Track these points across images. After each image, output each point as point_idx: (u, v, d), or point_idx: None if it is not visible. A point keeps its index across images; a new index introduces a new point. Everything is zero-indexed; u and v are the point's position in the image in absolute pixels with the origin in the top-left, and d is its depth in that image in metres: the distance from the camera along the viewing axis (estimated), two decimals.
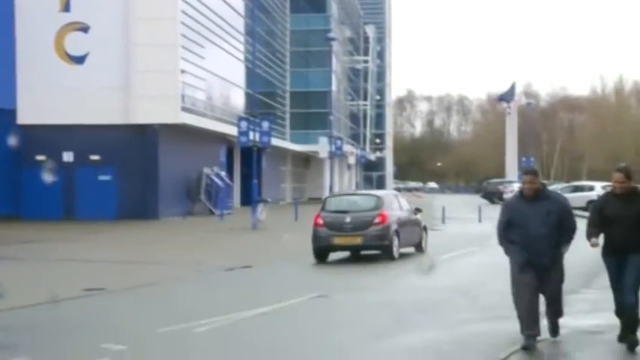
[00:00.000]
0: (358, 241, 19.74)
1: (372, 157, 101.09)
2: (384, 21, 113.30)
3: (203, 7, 42.66)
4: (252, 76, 44.77)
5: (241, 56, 51.43)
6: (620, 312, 9.17)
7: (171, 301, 14.44)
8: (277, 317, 12.14)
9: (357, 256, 20.79)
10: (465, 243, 24.57)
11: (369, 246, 19.99)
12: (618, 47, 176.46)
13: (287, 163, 67.95)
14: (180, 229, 33.14)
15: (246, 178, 45.03)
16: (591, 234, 9.15)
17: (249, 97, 48.95)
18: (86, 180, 37.49)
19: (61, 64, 37.95)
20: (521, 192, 9.47)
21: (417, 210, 22.42)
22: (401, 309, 12.67)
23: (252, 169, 36.57)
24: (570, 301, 12.15)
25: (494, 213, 9.84)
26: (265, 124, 36.57)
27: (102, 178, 37.91)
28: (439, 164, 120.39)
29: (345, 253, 20.94)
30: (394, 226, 19.95)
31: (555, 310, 9.50)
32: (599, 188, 42.94)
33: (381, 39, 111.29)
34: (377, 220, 19.69)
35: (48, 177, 34.96)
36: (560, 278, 9.38)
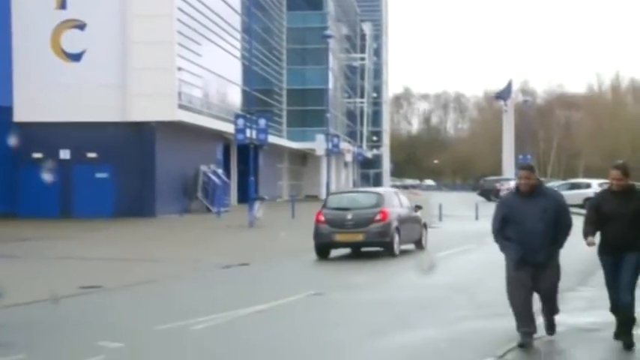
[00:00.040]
0: (359, 237, 19.91)
1: (369, 154, 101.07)
2: (380, 18, 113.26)
3: (200, 4, 42.62)
4: (248, 74, 44.76)
5: (238, 53, 51.40)
6: (615, 310, 9.16)
7: (168, 298, 14.44)
8: (274, 315, 12.15)
9: (357, 253, 20.90)
10: (462, 240, 24.59)
11: (370, 243, 20.16)
12: (615, 45, 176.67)
13: (284, 161, 67.94)
14: (177, 227, 33.13)
15: (243, 175, 45.00)
16: (588, 232, 9.13)
17: (245, 95, 48.92)
18: (83, 178, 37.47)
19: (57, 61, 37.91)
20: (517, 188, 9.39)
21: (417, 207, 22.61)
22: (398, 306, 12.68)
23: (249, 167, 36.58)
24: (567, 298, 12.17)
25: (491, 211, 9.83)
26: (262, 122, 36.55)
27: (99, 175, 37.88)
28: (436, 162, 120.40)
29: (346, 250, 21.03)
30: (395, 223, 20.13)
31: (551, 308, 9.45)
32: (595, 186, 42.96)
33: (377, 36, 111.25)
34: (378, 217, 19.87)
35: (47, 177, 34.97)
36: (556, 275, 9.32)
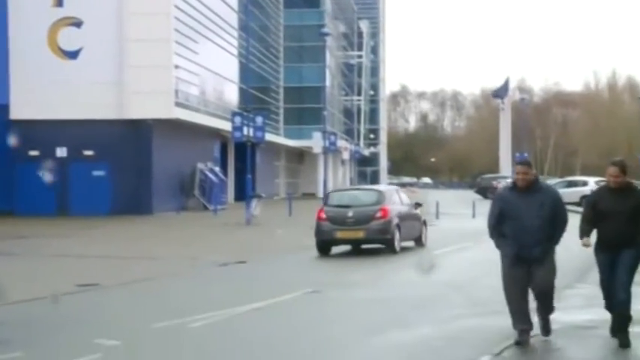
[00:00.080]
0: (361, 234, 20.09)
1: (366, 152, 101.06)
2: (377, 16, 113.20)
3: (196, 2, 42.59)
4: (245, 71, 44.73)
5: (235, 51, 51.36)
6: (610, 307, 9.14)
7: (165, 296, 14.44)
8: (271, 313, 12.15)
9: (358, 250, 21.05)
10: (459, 238, 24.60)
11: (371, 240, 20.34)
12: (611, 43, 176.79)
13: (281, 159, 67.94)
14: (174, 225, 33.12)
15: (240, 173, 45.02)
16: (584, 231, 9.10)
17: (242, 93, 48.91)
18: (80, 175, 37.44)
19: (54, 59, 37.88)
20: (514, 183, 9.31)
21: (417, 204, 22.82)
22: (394, 304, 12.69)
23: (246, 165, 36.56)
24: (564, 296, 12.19)
25: (487, 208, 9.82)
26: (259, 120, 36.56)
27: (96, 173, 37.85)
28: (433, 159, 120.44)
29: (346, 248, 21.15)
30: (395, 220, 20.31)
31: (546, 307, 9.36)
32: (592, 183, 43.01)
33: (374, 34, 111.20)
34: (379, 214, 20.07)
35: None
36: (552, 272, 9.22)
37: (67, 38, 37.92)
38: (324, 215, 20.40)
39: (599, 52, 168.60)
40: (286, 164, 70.32)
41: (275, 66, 67.38)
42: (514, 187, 9.29)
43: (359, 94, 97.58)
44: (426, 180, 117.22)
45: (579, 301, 12.08)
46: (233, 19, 51.03)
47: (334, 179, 74.75)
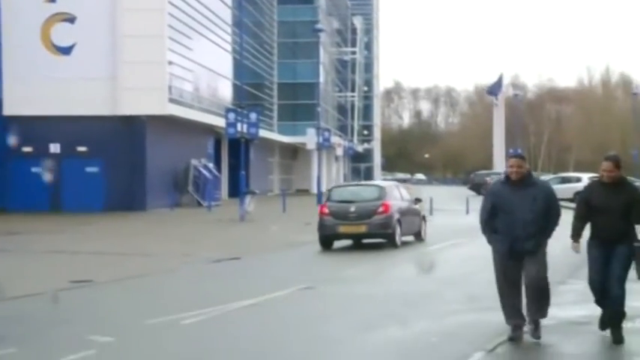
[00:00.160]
0: (362, 229, 20.47)
1: (360, 148, 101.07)
2: (371, 12, 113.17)
3: None
4: (239, 68, 44.69)
5: (229, 47, 51.31)
6: (600, 302, 9.09)
7: (158, 292, 14.43)
8: (265, 309, 12.14)
9: (358, 245, 21.31)
10: (453, 234, 24.64)
11: (373, 234, 20.72)
12: (605, 39, 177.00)
13: (275, 155, 67.91)
14: (167, 221, 33.09)
15: (234, 169, 44.98)
16: (576, 230, 9.04)
17: (236, 89, 48.86)
18: (73, 171, 37.36)
19: (47, 54, 37.79)
20: (507, 177, 9.22)
21: (417, 200, 23.23)
22: (389, 301, 12.69)
23: (240, 161, 36.54)
24: (558, 291, 12.19)
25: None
26: (253, 116, 36.52)
27: (89, 169, 37.79)
28: (427, 156, 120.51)
29: (344, 243, 21.37)
30: (396, 215, 20.71)
31: (537, 307, 9.11)
32: (586, 179, 42.98)
33: (368, 30, 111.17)
34: (380, 209, 20.43)
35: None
36: (543, 265, 9.09)
37: (61, 34, 37.82)
38: (326, 210, 20.77)
39: (593, 48, 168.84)
40: (280, 160, 70.30)
41: (269, 62, 67.32)
42: (507, 180, 9.21)
43: (353, 90, 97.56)
44: (420, 176, 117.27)
45: (573, 296, 12.09)
46: (227, 15, 50.98)
47: (328, 175, 74.73)
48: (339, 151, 78.67)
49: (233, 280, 15.65)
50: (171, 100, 39.25)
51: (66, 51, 37.91)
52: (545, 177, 52.31)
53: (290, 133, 67.76)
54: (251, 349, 9.52)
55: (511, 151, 65.85)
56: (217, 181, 45.43)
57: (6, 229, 27.43)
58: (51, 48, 37.92)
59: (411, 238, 22.12)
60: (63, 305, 12.67)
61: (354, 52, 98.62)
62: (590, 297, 9.25)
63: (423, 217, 23.26)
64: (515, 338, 9.14)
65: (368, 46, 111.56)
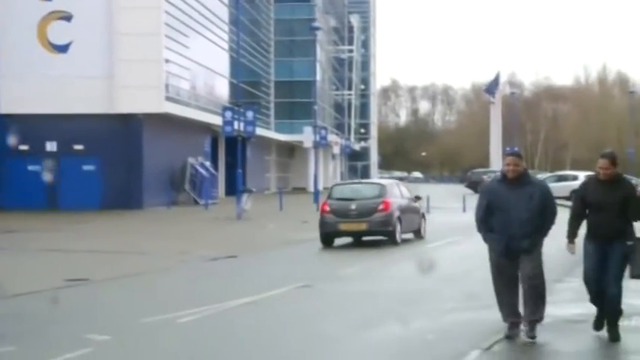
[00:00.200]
0: (363, 227, 20.69)
1: (357, 146, 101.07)
2: (368, 10, 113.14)
3: None
4: (236, 66, 44.65)
5: (225, 45, 51.28)
6: (595, 301, 9.07)
7: (155, 291, 14.42)
8: (262, 307, 12.13)
9: (359, 242, 21.49)
10: (450, 232, 24.65)
11: (373, 232, 20.91)
12: (601, 37, 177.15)
13: (271, 153, 67.90)
14: (164, 219, 33.08)
15: (231, 167, 44.96)
16: (572, 229, 9.00)
17: (233, 87, 48.82)
18: (70, 170, 37.32)
19: (44, 53, 37.74)
20: (503, 175, 9.16)
21: (417, 198, 23.42)
22: (385, 299, 12.69)
23: (237, 159, 36.52)
24: (554, 289, 12.20)
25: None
26: (250, 114, 36.49)
27: (86, 167, 37.76)
28: (424, 154, 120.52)
29: (344, 241, 21.53)
30: (397, 213, 20.94)
31: (534, 307, 9.00)
32: (582, 178, 42.98)
33: (365, 28, 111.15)
34: (381, 207, 20.67)
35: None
36: (538, 264, 9.04)
37: (57, 32, 37.77)
38: (327, 208, 20.99)
39: (590, 46, 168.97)
40: (277, 159, 70.29)
41: (266, 60, 67.30)
42: (503, 179, 9.16)
43: (350, 88, 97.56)
44: (417, 174, 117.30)
45: (569, 294, 12.09)
46: (224, 13, 50.94)
47: (325, 174, 74.73)
48: (336, 150, 78.71)
49: (230, 279, 15.64)
50: (168, 99, 39.23)
51: (62, 49, 37.86)
52: (541, 175, 52.31)
53: (287, 131, 67.75)
54: (248, 348, 9.51)
55: (508, 149, 65.92)
56: (214, 179, 45.42)
57: (2, 227, 27.38)
58: (47, 46, 37.87)
59: (410, 235, 22.30)
60: (59, 304, 12.65)
61: (351, 50, 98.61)
62: (586, 295, 9.25)
63: (423, 215, 23.50)
64: (511, 336, 9.14)
65: (365, 44, 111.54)
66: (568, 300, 11.64)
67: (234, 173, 37.81)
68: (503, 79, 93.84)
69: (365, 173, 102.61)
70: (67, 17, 37.95)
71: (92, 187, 37.32)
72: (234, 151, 38.40)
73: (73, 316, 11.69)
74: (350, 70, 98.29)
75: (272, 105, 69.77)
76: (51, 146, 37.70)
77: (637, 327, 9.86)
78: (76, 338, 9.75)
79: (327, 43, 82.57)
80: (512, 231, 8.98)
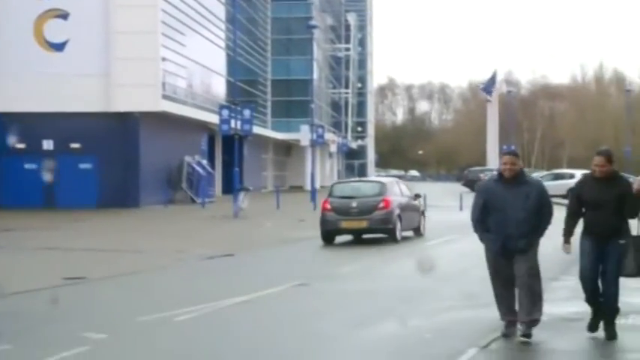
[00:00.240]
0: (364, 224, 20.92)
1: (354, 145, 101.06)
2: (365, 9, 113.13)
3: None
4: (233, 64, 44.64)
5: (222, 44, 51.24)
6: (590, 300, 9.03)
7: (151, 289, 14.41)
8: (258, 306, 12.13)
9: (358, 240, 21.68)
10: (447, 230, 24.65)
11: (374, 229, 21.16)
12: (598, 36, 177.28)
13: (268, 152, 67.88)
14: (161, 218, 33.06)
15: (228, 166, 44.93)
16: (569, 227, 8.98)
17: (230, 85, 48.79)
18: (67, 168, 37.29)
19: (40, 51, 37.71)
20: (500, 174, 9.12)
21: (417, 196, 23.70)
22: (383, 297, 12.69)
23: (234, 157, 36.52)
24: (550, 288, 12.21)
25: None
26: (247, 112, 36.48)
27: (82, 166, 37.73)
28: (420, 152, 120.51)
29: (342, 239, 21.69)
30: (397, 211, 21.19)
31: (530, 308, 8.93)
32: (579, 176, 43.01)
33: (362, 27, 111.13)
34: (381, 205, 20.92)
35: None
36: (534, 263, 9.01)
37: (53, 30, 37.74)
38: (328, 206, 21.20)
39: (586, 45, 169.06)
40: (274, 157, 70.27)
41: (262, 59, 67.26)
42: (500, 178, 9.13)
43: (346, 86, 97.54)
44: (414, 173, 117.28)
45: (565, 293, 12.09)
46: (220, 11, 50.91)
47: (322, 172, 74.72)
48: (333, 148, 78.71)
49: (226, 277, 15.64)
50: (165, 97, 39.21)
51: (59, 47, 37.83)
52: (538, 173, 52.38)
53: (284, 129, 67.73)
54: (244, 346, 9.51)
55: (505, 147, 65.96)
56: (211, 177, 45.40)
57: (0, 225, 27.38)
58: (44, 44, 37.83)
59: (410, 233, 22.53)
60: (56, 302, 12.64)
61: (347, 49, 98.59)
62: (582, 294, 9.23)
63: (422, 213, 23.77)
64: (509, 334, 9.14)
65: (362, 43, 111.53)
66: (564, 298, 11.65)
67: (231, 172, 37.81)
68: (500, 78, 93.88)
69: (362, 172, 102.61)
70: (64, 15, 37.91)
71: (89, 185, 37.29)
72: (231, 149, 38.38)
73: (70, 314, 11.68)
74: (347, 68, 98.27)
75: (269, 103, 69.73)
76: (48, 145, 37.67)
77: (634, 325, 9.87)
78: (73, 337, 9.74)
79: (324, 41, 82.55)
80: (508, 231, 8.95)
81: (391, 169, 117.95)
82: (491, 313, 9.63)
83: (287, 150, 74.26)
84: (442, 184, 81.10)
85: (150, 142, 38.60)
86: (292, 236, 23.79)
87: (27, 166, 37.29)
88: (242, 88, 52.74)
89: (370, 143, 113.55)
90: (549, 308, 10.10)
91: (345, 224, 20.99)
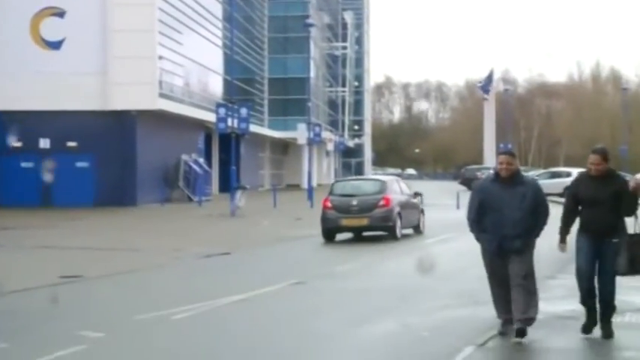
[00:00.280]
0: (364, 222, 21.14)
1: (351, 143, 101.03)
2: (362, 7, 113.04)
3: None
4: (230, 63, 44.62)
5: (219, 42, 51.21)
6: (585, 302, 9.00)
7: (149, 288, 14.41)
8: (255, 304, 12.14)
9: (359, 238, 21.87)
10: (444, 229, 24.66)
11: (374, 227, 21.37)
12: (595, 34, 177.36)
13: (265, 150, 67.86)
14: (158, 216, 33.05)
15: (225, 164, 44.94)
16: (565, 225, 8.98)
17: (227, 84, 48.80)
18: (63, 167, 37.23)
19: (37, 49, 37.67)
20: (496, 174, 9.10)
21: (417, 194, 23.86)
22: (380, 295, 12.70)
23: (231, 156, 36.50)
24: (547, 286, 12.23)
25: None
26: (243, 111, 36.46)
27: (79, 164, 37.70)
28: (417, 151, 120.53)
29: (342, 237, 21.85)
30: (397, 209, 21.41)
31: (524, 308, 8.88)
32: (575, 174, 43.04)
33: (359, 25, 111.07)
34: (381, 202, 21.14)
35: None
36: (529, 263, 8.98)
37: (50, 29, 37.70)
38: (329, 204, 21.37)
39: (583, 43, 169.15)
40: (271, 155, 70.25)
41: (259, 57, 67.23)
42: (496, 178, 9.10)
43: (343, 85, 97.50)
44: (411, 171, 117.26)
45: (562, 291, 12.10)
46: (217, 9, 50.88)
47: (319, 171, 74.73)
48: (330, 146, 78.68)
49: (223, 276, 15.64)
50: (162, 95, 39.18)
51: (55, 46, 37.78)
52: (535, 172, 52.40)
53: (281, 128, 67.70)
54: (241, 345, 9.52)
55: (501, 145, 65.98)
56: (208, 176, 45.38)
57: None
58: (40, 43, 37.79)
59: (410, 231, 22.73)
60: (53, 300, 12.64)
61: (344, 47, 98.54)
62: (578, 292, 9.23)
63: (422, 211, 23.93)
64: (505, 333, 9.15)
65: (359, 41, 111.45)
66: (560, 297, 11.66)
67: (227, 170, 37.80)
68: (496, 76, 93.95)
69: (359, 170, 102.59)
70: (60, 14, 37.87)
71: (86, 184, 37.27)
72: (227, 148, 38.37)
73: (67, 313, 11.68)
74: (344, 66, 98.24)
75: (266, 102, 69.71)
76: (44, 143, 37.63)
77: (630, 323, 9.89)
78: (70, 335, 9.74)
79: (320, 40, 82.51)
80: (504, 231, 8.93)
81: (388, 167, 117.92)
82: (488, 311, 9.64)
83: (284, 148, 74.23)
84: (439, 183, 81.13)
85: (147, 141, 38.58)
86: (289, 234, 23.80)
87: (24, 164, 37.25)
88: (239, 87, 52.72)
89: (367, 142, 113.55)
90: (545, 306, 10.12)
91: (345, 222, 21.22)
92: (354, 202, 21.19)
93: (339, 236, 21.84)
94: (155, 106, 38.20)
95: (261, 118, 65.80)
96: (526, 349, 8.89)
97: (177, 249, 19.95)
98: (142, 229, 26.91)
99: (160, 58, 39.21)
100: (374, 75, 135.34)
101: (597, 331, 9.09)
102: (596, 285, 8.99)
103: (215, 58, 50.76)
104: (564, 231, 9.03)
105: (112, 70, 37.39)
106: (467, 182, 60.25)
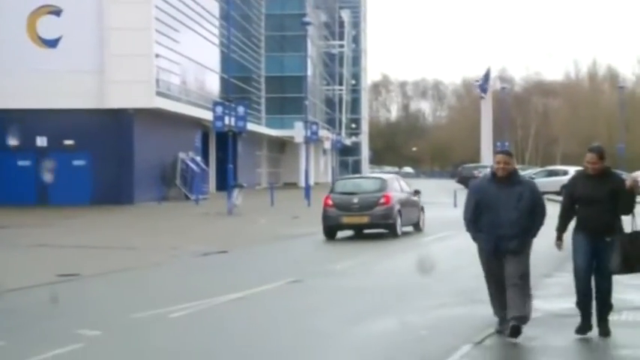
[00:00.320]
0: (365, 220, 21.33)
1: (348, 141, 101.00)
2: (359, 5, 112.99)
3: None
4: (227, 61, 44.57)
5: (216, 40, 51.18)
6: (581, 303, 8.96)
7: (146, 286, 14.40)
8: (253, 302, 12.13)
9: (359, 235, 22.06)
10: (441, 227, 24.66)
11: (375, 224, 21.57)
12: (592, 32, 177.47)
13: (262, 148, 67.84)
14: (155, 214, 33.03)
15: (222, 163, 44.91)
16: (562, 224, 8.98)
17: (224, 82, 48.73)
18: (60, 165, 37.20)
19: (33, 47, 37.61)
20: (493, 174, 9.06)
21: (416, 192, 23.93)
22: (378, 293, 12.70)
23: (228, 154, 36.48)
24: (543, 284, 12.25)
25: None
26: (241, 109, 36.43)
27: (76, 163, 37.67)
28: (414, 149, 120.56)
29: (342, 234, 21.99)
30: (397, 207, 21.61)
31: (519, 307, 8.86)
32: (572, 172, 43.04)
33: (356, 23, 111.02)
34: (382, 200, 21.33)
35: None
36: (525, 263, 8.96)
37: (47, 27, 37.64)
38: (330, 202, 21.53)
39: (580, 41, 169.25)
40: (268, 154, 70.23)
41: (256, 55, 67.19)
42: (493, 177, 9.06)
43: (340, 83, 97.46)
44: (408, 169, 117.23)
45: (559, 289, 12.10)
46: (214, 8, 50.83)
47: (316, 169, 74.71)
48: (327, 145, 78.61)
49: (221, 274, 15.64)
50: (159, 94, 39.15)
51: (52, 44, 37.74)
52: (532, 170, 52.44)
53: (278, 126, 67.68)
54: (238, 343, 9.51)
55: (498, 144, 66.01)
56: (205, 174, 45.36)
57: None
58: (37, 41, 37.74)
59: (410, 228, 22.88)
60: (50, 299, 12.63)
61: (341, 46, 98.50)
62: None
63: (422, 208, 24.08)
64: (502, 331, 9.14)
65: (356, 40, 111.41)
66: (557, 295, 11.66)
67: (224, 168, 37.77)
68: (493, 74, 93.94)
69: (356, 168, 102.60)
70: (57, 12, 37.82)
71: (83, 182, 37.23)
72: (224, 146, 38.36)
73: (63, 311, 11.67)
74: (341, 65, 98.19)
75: (263, 100, 69.68)
76: (41, 141, 37.60)
77: (627, 321, 9.90)
78: (67, 333, 9.74)
79: (317, 38, 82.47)
80: (501, 231, 8.90)
81: (385, 165, 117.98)
82: (485, 309, 9.64)
83: (281, 147, 74.21)
84: (436, 181, 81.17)
85: (144, 139, 38.55)
86: (286, 233, 23.80)
87: (20, 163, 37.21)
88: (236, 85, 52.64)
89: (364, 140, 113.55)
90: (542, 304, 10.13)
91: (346, 219, 21.39)
92: (355, 200, 21.38)
93: (339, 234, 21.93)
94: (152, 105, 38.17)
95: (259, 116, 65.78)
96: (523, 347, 8.89)
97: (174, 247, 19.94)
98: (139, 228, 26.90)
99: (157, 56, 39.17)
100: (371, 73, 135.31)
101: (594, 330, 9.09)
102: (593, 284, 8.99)
103: (212, 57, 50.73)
104: (561, 229, 9.04)
105: (109, 69, 37.36)
106: (464, 180, 60.25)
